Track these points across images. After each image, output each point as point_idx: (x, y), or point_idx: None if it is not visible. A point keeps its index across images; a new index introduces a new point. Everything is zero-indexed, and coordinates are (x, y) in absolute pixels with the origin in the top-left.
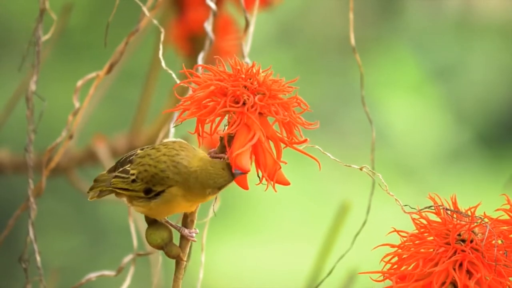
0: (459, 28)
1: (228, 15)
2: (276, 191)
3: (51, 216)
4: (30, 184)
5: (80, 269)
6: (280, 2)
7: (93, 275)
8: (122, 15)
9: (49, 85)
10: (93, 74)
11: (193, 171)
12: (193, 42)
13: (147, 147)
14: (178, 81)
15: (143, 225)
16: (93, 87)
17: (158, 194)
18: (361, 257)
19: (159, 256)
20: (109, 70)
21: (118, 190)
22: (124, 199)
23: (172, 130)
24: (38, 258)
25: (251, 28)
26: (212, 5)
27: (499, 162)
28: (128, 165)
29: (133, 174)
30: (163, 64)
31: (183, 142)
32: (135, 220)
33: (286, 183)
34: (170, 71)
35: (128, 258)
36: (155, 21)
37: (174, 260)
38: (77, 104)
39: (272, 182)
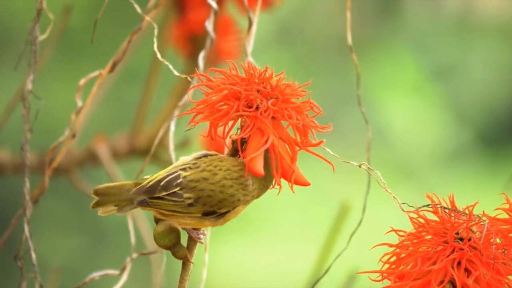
0: (459, 28)
1: (229, 15)
2: (294, 192)
3: (51, 216)
4: (26, 183)
5: (81, 269)
6: (281, 2)
7: (96, 274)
8: (123, 14)
9: (50, 85)
10: (95, 73)
11: (254, 189)
12: (194, 42)
13: (191, 167)
14: (175, 72)
15: (143, 225)
16: (96, 86)
17: (221, 214)
18: (363, 257)
19: (163, 256)
20: (112, 69)
21: (165, 212)
22: (155, 213)
23: (172, 129)
24: (33, 256)
25: (254, 28)
26: (213, 4)
27: (499, 162)
28: (178, 189)
29: (189, 198)
30: (158, 56)
31: (229, 159)
32: (134, 220)
33: (305, 183)
34: (167, 63)
35: (132, 257)
36: (148, 18)
37: (176, 260)
38: (79, 103)
39: (289, 183)
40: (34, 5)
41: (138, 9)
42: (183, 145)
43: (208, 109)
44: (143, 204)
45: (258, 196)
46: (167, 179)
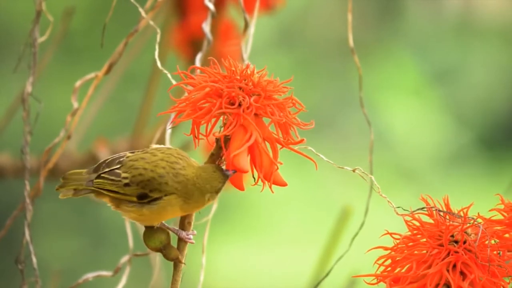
0: (459, 31)
1: (230, 19)
2: (273, 191)
3: (52, 219)
4: (26, 186)
5: (80, 271)
6: (282, 5)
7: (90, 275)
8: (123, 17)
9: (51, 87)
10: (91, 75)
11: (190, 178)
12: (195, 46)
13: (138, 151)
14: (174, 82)
15: (142, 226)
16: (92, 87)
17: (153, 200)
18: (364, 260)
19: (156, 257)
20: (108, 71)
21: (104, 192)
22: (107, 201)
23: (169, 131)
24: (34, 259)
25: (251, 31)
26: (211, 6)
27: (500, 164)
28: (118, 167)
29: (125, 178)
30: (158, 64)
31: (179, 150)
32: (132, 222)
33: (283, 183)
34: (166, 71)
35: (125, 258)
36: (151, 22)
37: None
38: (75, 104)
39: (268, 183)
40: (35, 7)
41: (143, 13)
42: (183, 149)
43: (190, 107)
44: (89, 184)
45: (206, 199)
46: (113, 157)
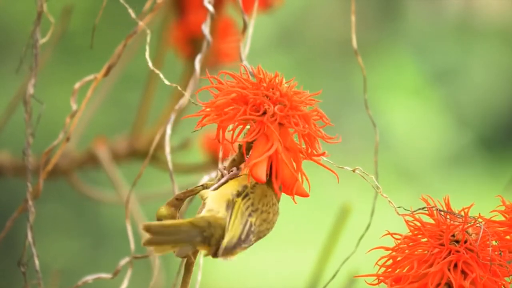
0: (460, 32)
1: (228, 17)
2: (296, 203)
3: (51, 219)
4: (28, 188)
5: (80, 272)
6: (280, 4)
7: (89, 278)
8: (122, 17)
9: (50, 89)
10: (90, 77)
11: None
12: (193, 44)
13: (253, 211)
14: (166, 81)
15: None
16: (91, 89)
17: None
18: (363, 260)
19: (156, 259)
20: (107, 73)
21: None
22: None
23: (169, 132)
24: (36, 261)
25: (250, 30)
26: (210, 8)
27: (500, 165)
28: (251, 237)
29: (253, 240)
30: (150, 65)
31: (258, 185)
32: (133, 223)
33: (305, 195)
34: (157, 71)
35: (124, 260)
36: (140, 22)
37: (172, 263)
38: (74, 106)
39: (291, 193)
40: (34, 8)
41: (133, 15)
42: (183, 147)
43: (215, 111)
44: (219, 254)
45: None
46: (245, 232)
